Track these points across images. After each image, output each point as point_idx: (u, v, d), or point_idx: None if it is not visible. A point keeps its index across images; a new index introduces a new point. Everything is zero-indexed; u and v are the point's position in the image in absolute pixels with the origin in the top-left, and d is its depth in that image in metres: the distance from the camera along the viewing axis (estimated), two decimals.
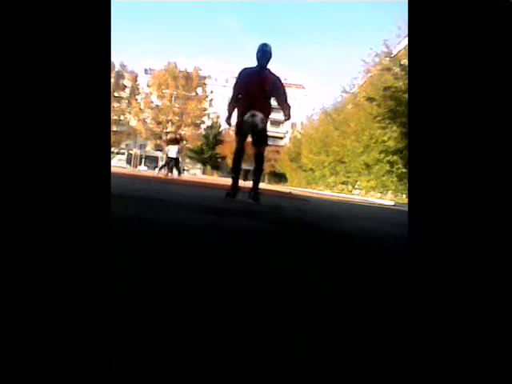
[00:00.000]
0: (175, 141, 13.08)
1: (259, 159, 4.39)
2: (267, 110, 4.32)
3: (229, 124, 4.65)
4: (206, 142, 47.42)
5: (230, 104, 4.43)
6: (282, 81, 4.40)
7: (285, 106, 4.33)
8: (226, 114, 4.51)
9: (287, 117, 4.35)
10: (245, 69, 4.37)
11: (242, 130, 4.26)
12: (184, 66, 36.99)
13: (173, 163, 12.63)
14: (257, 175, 4.48)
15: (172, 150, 12.60)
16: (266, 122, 4.32)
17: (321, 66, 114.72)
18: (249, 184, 4.97)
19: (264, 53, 4.19)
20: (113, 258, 0.95)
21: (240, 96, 4.36)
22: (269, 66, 4.32)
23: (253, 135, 4.32)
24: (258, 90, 4.18)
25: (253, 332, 0.63)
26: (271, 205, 4.21)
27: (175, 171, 12.80)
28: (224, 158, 45.98)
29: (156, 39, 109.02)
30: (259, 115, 4.14)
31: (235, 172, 4.54)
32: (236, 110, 4.41)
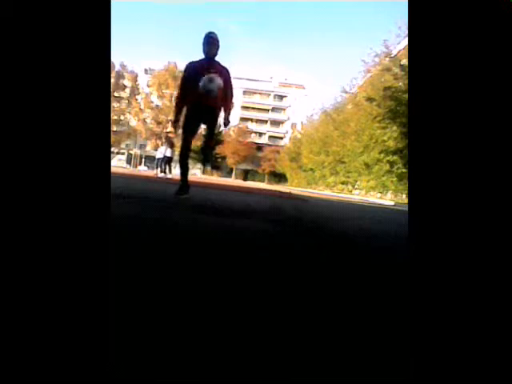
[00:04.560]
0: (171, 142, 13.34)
1: (204, 148, 3.83)
2: (221, 103, 3.72)
3: (175, 127, 3.92)
4: None
5: (177, 104, 3.82)
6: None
7: (227, 105, 3.76)
8: (173, 117, 3.88)
9: (226, 120, 3.84)
10: (191, 62, 3.81)
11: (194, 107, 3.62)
12: (184, 65, 36.94)
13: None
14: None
15: (169, 150, 12.97)
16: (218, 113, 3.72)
17: (321, 66, 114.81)
18: (249, 184, 4.86)
19: (209, 42, 3.65)
20: (113, 257, 0.95)
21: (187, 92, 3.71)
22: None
23: (205, 113, 3.66)
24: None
25: (252, 332, 0.63)
26: (271, 205, 4.20)
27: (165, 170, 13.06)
28: (224, 157, 46.05)
29: (156, 39, 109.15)
30: (216, 81, 3.56)
31: (183, 167, 3.77)
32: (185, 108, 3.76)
